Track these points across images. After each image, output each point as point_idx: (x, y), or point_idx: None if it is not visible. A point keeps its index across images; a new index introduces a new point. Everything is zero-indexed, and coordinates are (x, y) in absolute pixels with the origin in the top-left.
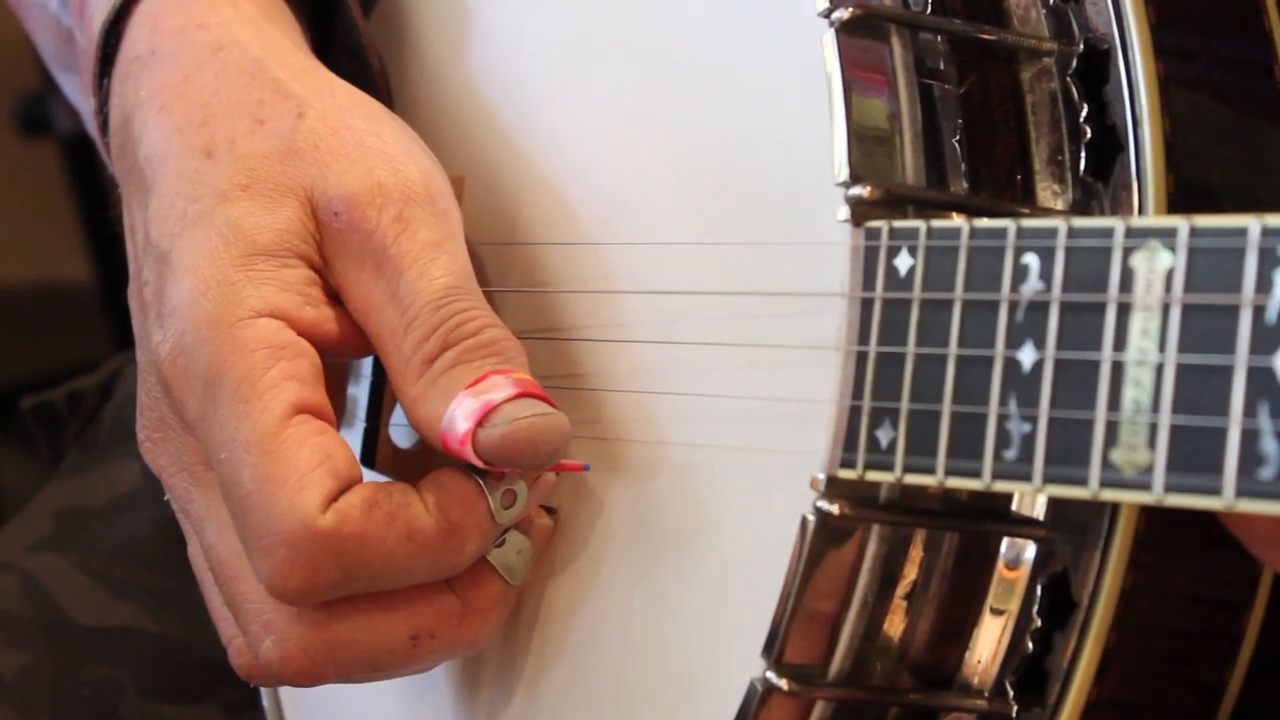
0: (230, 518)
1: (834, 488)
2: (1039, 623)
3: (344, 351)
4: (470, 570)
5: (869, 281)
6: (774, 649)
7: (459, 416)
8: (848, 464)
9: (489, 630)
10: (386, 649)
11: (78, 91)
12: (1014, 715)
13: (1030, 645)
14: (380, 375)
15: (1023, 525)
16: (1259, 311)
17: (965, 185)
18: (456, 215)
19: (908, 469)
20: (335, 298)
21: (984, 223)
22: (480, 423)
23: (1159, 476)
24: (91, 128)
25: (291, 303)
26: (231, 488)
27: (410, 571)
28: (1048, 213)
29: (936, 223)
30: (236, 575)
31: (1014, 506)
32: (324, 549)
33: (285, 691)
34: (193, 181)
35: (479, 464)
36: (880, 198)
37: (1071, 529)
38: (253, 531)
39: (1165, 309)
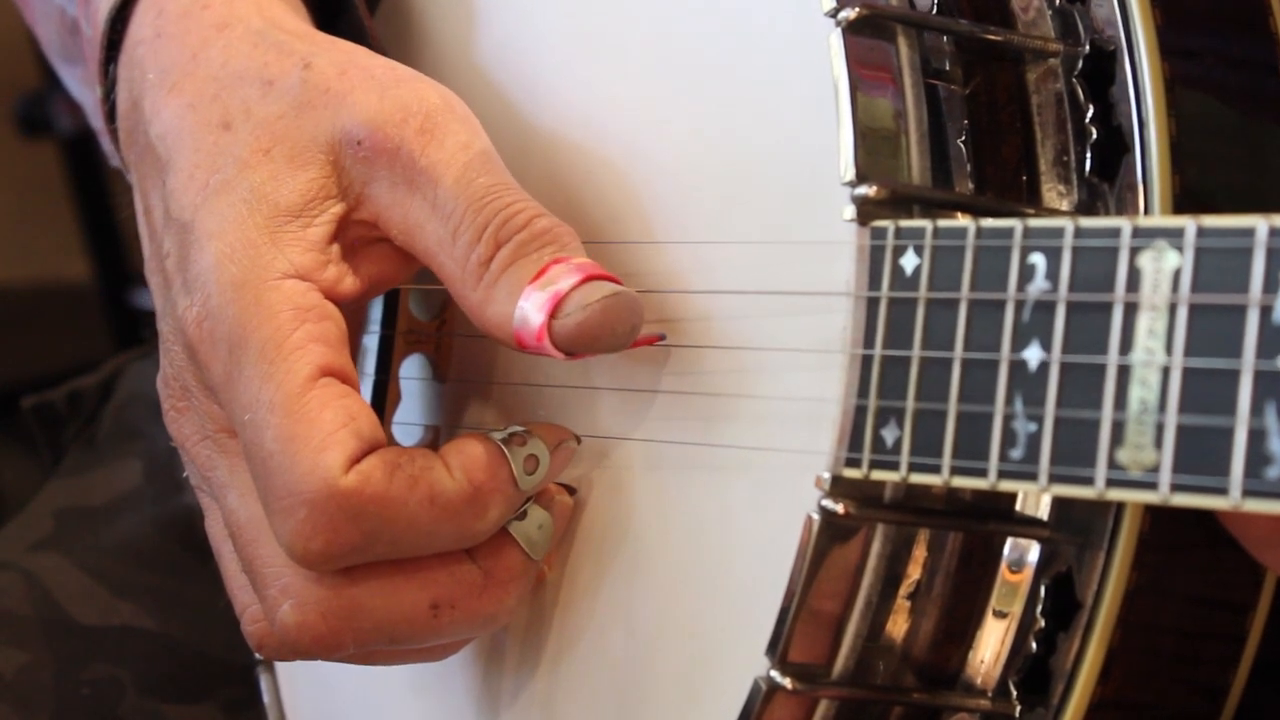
0: (252, 482)
1: (839, 487)
2: (1042, 623)
3: (369, 295)
4: (491, 541)
5: (875, 281)
6: (778, 648)
7: (530, 312)
8: (853, 463)
9: (508, 604)
10: (406, 617)
11: (81, 82)
12: (1017, 715)
13: (1034, 645)
14: (384, 373)
15: (1026, 525)
16: (1266, 312)
17: (971, 186)
18: (478, 123)
19: (913, 468)
20: (366, 242)
21: (990, 222)
22: (553, 314)
23: (1165, 476)
24: (96, 118)
25: (316, 262)
26: (254, 449)
27: (433, 536)
28: (1053, 213)
29: (943, 222)
30: (256, 540)
31: (1018, 506)
32: (346, 510)
33: (286, 690)
34: (213, 154)
35: (560, 356)
36: (886, 197)
37: (1075, 529)
38: (274, 492)
39: (1172, 309)
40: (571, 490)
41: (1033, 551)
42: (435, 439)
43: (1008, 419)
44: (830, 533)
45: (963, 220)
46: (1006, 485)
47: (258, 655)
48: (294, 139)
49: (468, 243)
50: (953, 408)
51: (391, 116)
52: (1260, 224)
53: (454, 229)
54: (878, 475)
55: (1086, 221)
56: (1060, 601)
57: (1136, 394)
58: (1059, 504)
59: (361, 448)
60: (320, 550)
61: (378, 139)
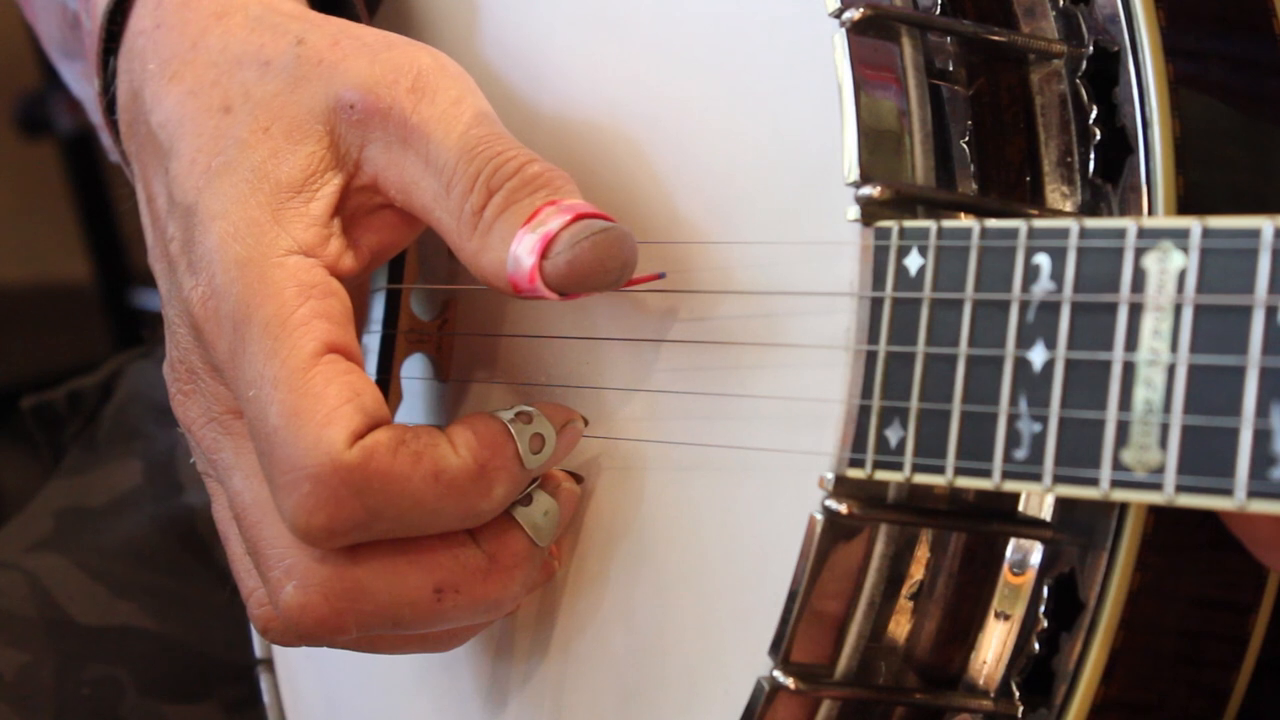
0: (257, 464)
1: (842, 487)
2: (1045, 624)
3: (374, 265)
4: (496, 525)
5: (879, 281)
6: (781, 648)
7: (522, 255)
8: (856, 463)
9: (513, 590)
10: (410, 600)
11: (81, 77)
12: (1020, 716)
13: (1036, 646)
14: (385, 373)
15: (1030, 526)
16: (1271, 312)
17: (974, 186)
18: (472, 81)
19: (917, 469)
20: (367, 211)
21: (995, 223)
22: (544, 255)
23: (1170, 477)
24: (95, 112)
25: (319, 238)
26: (259, 424)
27: (437, 514)
28: (1057, 214)
29: (947, 223)
30: (261, 521)
31: (1021, 507)
32: (349, 485)
33: (286, 690)
34: (214, 137)
35: (554, 298)
36: (890, 198)
37: (1078, 530)
38: (278, 467)
39: (1177, 309)
40: (579, 479)
41: (1036, 552)
42: None
43: (1012, 419)
44: (833, 533)
45: (967, 221)
46: (1011, 486)
47: (264, 639)
48: (291, 114)
49: (461, 193)
50: (957, 408)
51: (383, 78)
52: (1266, 225)
53: (447, 181)
54: (881, 475)
55: (1092, 222)
56: (1063, 602)
57: (1141, 395)
58: (1062, 505)
59: (366, 423)
60: (323, 525)
61: (370, 101)
